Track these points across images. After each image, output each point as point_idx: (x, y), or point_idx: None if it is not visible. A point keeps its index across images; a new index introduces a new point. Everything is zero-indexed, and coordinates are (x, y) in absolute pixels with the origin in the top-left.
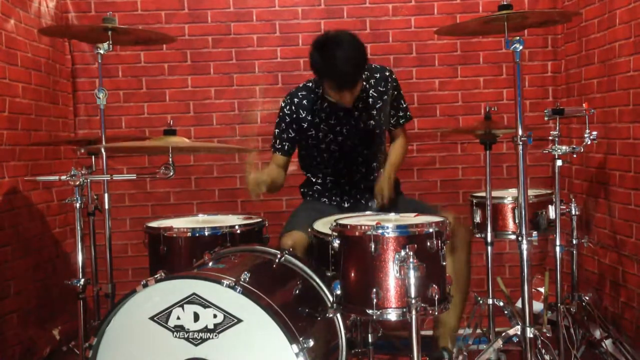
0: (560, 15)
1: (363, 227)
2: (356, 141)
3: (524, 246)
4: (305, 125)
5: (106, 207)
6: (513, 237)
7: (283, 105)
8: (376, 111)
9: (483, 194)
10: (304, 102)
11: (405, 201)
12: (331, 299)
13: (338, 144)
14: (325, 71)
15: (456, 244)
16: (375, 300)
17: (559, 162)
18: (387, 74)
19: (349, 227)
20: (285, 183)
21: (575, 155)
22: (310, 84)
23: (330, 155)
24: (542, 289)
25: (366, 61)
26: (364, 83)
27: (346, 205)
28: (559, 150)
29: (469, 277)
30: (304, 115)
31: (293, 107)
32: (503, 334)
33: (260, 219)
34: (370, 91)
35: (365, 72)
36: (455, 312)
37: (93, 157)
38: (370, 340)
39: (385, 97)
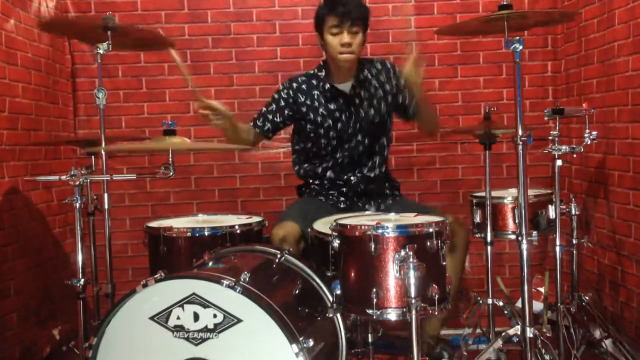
0: (561, 15)
1: (363, 227)
2: (356, 129)
3: (524, 246)
4: (304, 110)
5: (106, 207)
6: (513, 237)
7: (280, 88)
8: (377, 101)
9: (483, 194)
10: (304, 86)
11: (404, 203)
12: (331, 299)
13: (337, 132)
14: (329, 3)
15: (455, 243)
16: (375, 300)
17: (558, 162)
18: (389, 66)
19: (349, 227)
20: (284, 182)
21: (575, 155)
22: (312, 71)
23: (328, 142)
24: (542, 289)
25: (367, 11)
26: (368, 74)
27: (342, 206)
28: (559, 150)
29: (461, 277)
30: (303, 99)
31: (291, 92)
32: (503, 334)
33: (261, 219)
34: (372, 81)
35: (367, 63)
36: None
37: (93, 157)
38: (370, 340)
39: (388, 87)
